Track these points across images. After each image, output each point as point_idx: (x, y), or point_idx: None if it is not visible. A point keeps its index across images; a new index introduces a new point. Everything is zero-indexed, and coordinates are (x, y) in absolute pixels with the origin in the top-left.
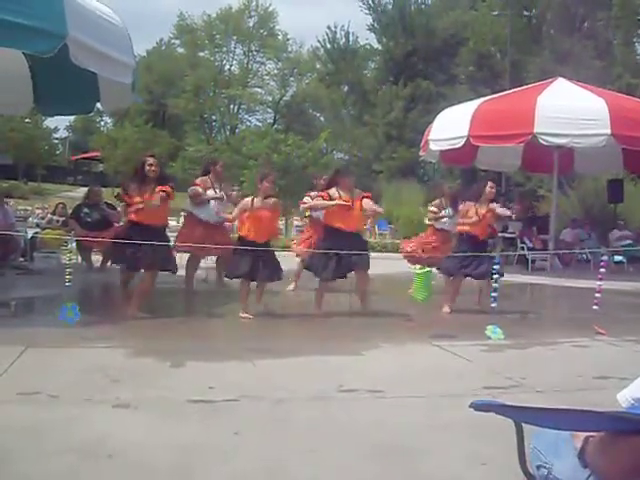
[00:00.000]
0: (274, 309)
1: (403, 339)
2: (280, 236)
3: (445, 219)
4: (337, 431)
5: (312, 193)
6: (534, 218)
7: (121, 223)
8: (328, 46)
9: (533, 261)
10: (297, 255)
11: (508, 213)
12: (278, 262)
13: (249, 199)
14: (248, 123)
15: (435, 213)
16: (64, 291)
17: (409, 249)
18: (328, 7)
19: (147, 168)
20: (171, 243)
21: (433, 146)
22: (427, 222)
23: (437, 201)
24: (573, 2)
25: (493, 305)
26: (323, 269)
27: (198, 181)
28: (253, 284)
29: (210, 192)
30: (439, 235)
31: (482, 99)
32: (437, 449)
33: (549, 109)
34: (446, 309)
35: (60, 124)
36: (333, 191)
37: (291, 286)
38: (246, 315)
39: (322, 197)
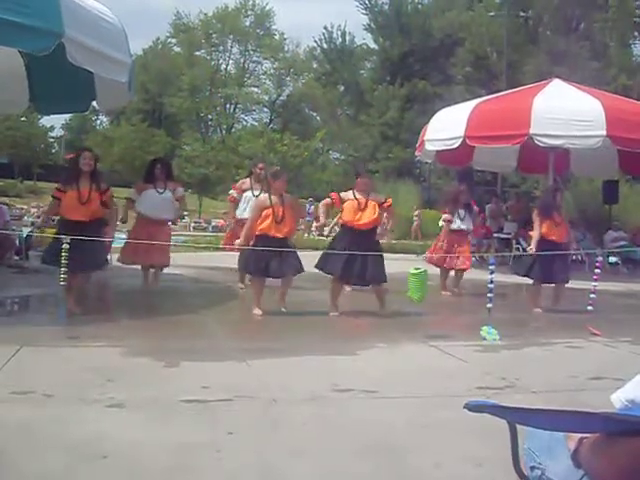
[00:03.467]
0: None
1: (398, 339)
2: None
3: (457, 220)
4: (331, 431)
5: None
6: (528, 219)
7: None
8: (325, 46)
9: None
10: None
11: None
12: (298, 257)
13: (266, 196)
14: (244, 122)
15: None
16: (57, 290)
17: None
18: (325, 7)
19: (82, 162)
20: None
21: (429, 146)
22: (440, 224)
23: (446, 215)
24: (569, 3)
25: (489, 306)
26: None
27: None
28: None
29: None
30: (455, 236)
31: (478, 100)
32: (431, 449)
33: (545, 110)
34: (537, 309)
35: (56, 123)
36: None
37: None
38: (258, 312)
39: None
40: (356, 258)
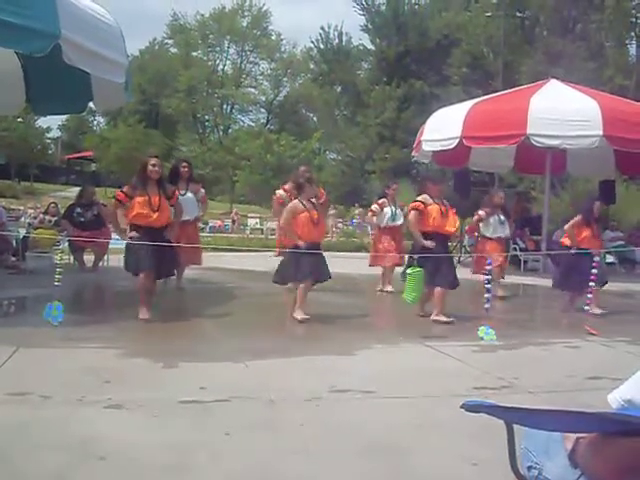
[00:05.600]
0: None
1: (395, 339)
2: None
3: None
4: (329, 431)
5: (380, 200)
6: (527, 219)
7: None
8: (321, 46)
9: (526, 262)
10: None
11: None
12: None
13: (297, 202)
14: (241, 123)
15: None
16: (53, 291)
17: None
18: (322, 7)
19: (150, 169)
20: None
21: (426, 147)
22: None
23: (482, 212)
24: (566, 4)
25: (486, 306)
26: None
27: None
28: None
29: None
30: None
31: (475, 100)
32: (428, 449)
33: (542, 110)
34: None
35: (53, 124)
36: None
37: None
38: (304, 316)
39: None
40: (444, 262)
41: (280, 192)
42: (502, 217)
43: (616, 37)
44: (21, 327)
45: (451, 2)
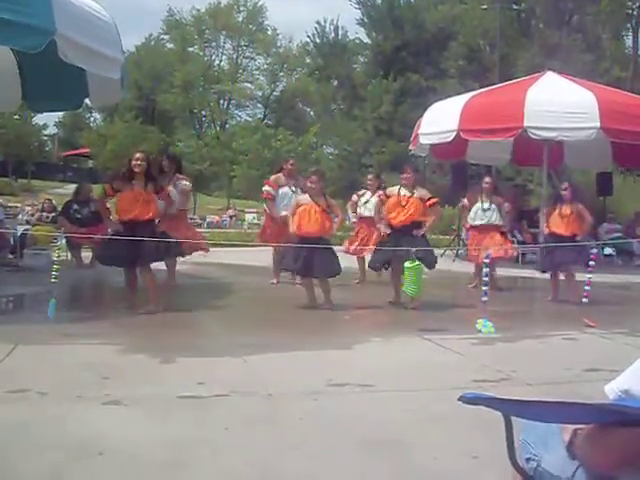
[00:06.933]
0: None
1: (393, 333)
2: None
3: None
4: (327, 426)
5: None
6: (524, 212)
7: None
8: (317, 41)
9: (523, 255)
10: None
11: None
12: (334, 258)
13: (306, 196)
14: (238, 118)
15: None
16: (50, 288)
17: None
18: (317, 2)
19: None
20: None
21: (423, 140)
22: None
23: (464, 200)
24: None
25: (484, 299)
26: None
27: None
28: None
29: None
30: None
31: (472, 93)
32: (427, 443)
33: (538, 103)
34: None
35: (49, 120)
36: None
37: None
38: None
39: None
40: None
41: (266, 188)
42: (487, 204)
43: (613, 29)
44: (19, 324)
45: None
